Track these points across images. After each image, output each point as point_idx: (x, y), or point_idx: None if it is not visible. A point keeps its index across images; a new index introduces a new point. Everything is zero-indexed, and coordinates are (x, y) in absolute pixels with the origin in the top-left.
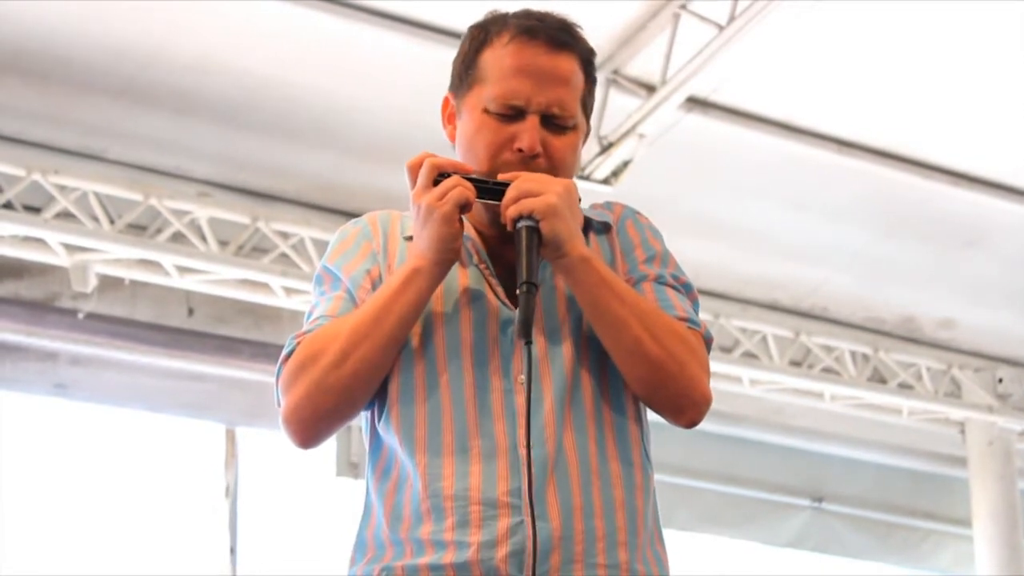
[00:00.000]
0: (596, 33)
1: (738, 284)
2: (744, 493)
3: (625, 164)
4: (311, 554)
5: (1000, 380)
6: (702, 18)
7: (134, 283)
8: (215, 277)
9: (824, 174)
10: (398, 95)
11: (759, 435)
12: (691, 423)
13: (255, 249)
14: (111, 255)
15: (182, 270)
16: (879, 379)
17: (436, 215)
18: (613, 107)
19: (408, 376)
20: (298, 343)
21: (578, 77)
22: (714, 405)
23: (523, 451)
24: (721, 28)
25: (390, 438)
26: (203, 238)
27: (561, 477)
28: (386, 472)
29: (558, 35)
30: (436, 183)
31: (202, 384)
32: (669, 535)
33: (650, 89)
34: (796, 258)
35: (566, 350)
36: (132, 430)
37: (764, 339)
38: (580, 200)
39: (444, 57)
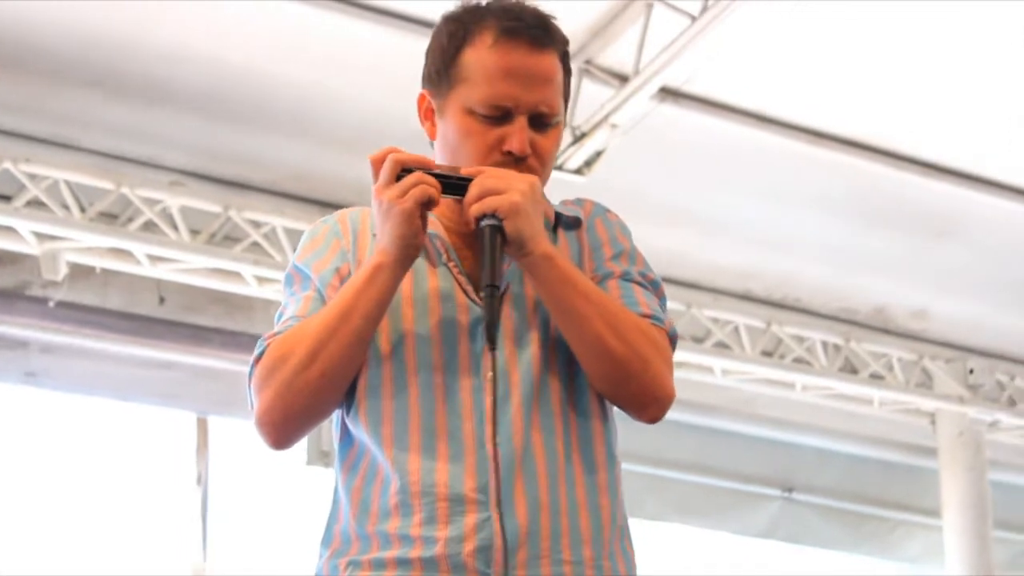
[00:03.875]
0: (569, 23)
1: (710, 274)
2: (715, 483)
3: (598, 154)
4: (283, 542)
5: (971, 371)
6: (675, 8)
7: (105, 271)
8: (186, 266)
9: (796, 164)
10: (372, 85)
11: (730, 425)
12: (653, 419)
13: (227, 238)
14: (82, 243)
15: (153, 259)
16: (850, 369)
17: (396, 211)
18: (586, 97)
19: (376, 373)
20: (268, 345)
21: (559, 73)
22: (686, 395)
23: (490, 448)
24: (694, 19)
25: (359, 433)
26: (175, 227)
27: (528, 474)
28: (354, 467)
29: (539, 34)
30: (399, 178)
31: (173, 372)
32: (639, 525)
33: (623, 79)
34: (768, 248)
35: (533, 352)
36: (103, 419)
37: (736, 329)
38: (545, 196)
39: (419, 47)
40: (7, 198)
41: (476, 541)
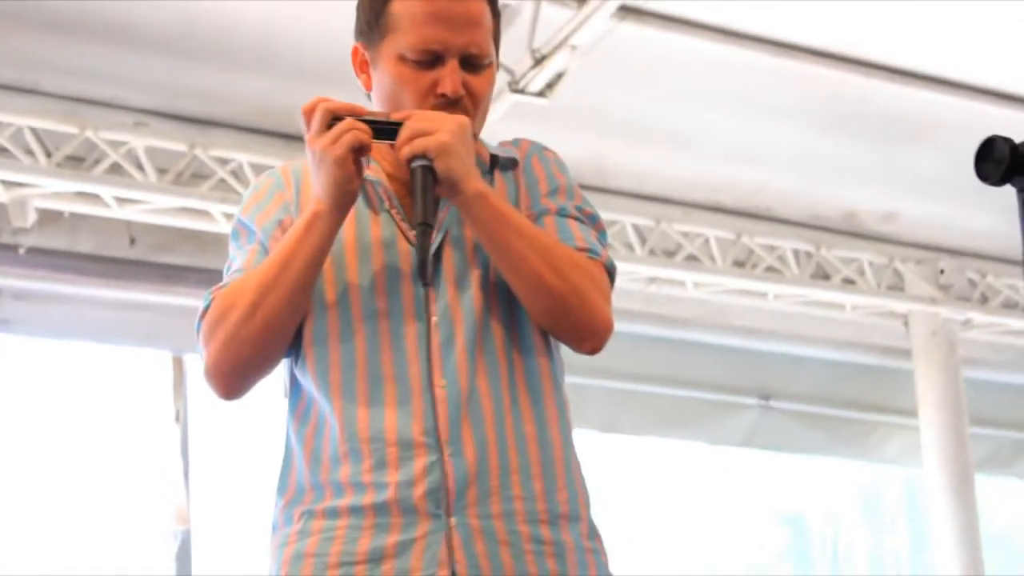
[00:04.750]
0: None
1: (679, 188)
2: (691, 395)
3: (559, 76)
4: (264, 475)
5: (942, 271)
6: None
7: (74, 216)
8: (155, 206)
9: (761, 76)
10: (334, 17)
11: (704, 337)
12: (593, 351)
13: (194, 176)
14: (49, 189)
15: (121, 201)
16: (822, 276)
17: (329, 158)
18: (544, 19)
19: (322, 321)
20: (213, 298)
21: (487, 16)
22: (659, 309)
23: (437, 390)
24: None
25: (307, 382)
26: (141, 168)
27: (474, 414)
28: (305, 416)
29: None
30: (331, 127)
31: (147, 313)
32: (618, 440)
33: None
34: (737, 160)
35: (475, 293)
36: (79, 363)
37: (707, 242)
38: (477, 136)
39: None
40: None
41: (426, 484)
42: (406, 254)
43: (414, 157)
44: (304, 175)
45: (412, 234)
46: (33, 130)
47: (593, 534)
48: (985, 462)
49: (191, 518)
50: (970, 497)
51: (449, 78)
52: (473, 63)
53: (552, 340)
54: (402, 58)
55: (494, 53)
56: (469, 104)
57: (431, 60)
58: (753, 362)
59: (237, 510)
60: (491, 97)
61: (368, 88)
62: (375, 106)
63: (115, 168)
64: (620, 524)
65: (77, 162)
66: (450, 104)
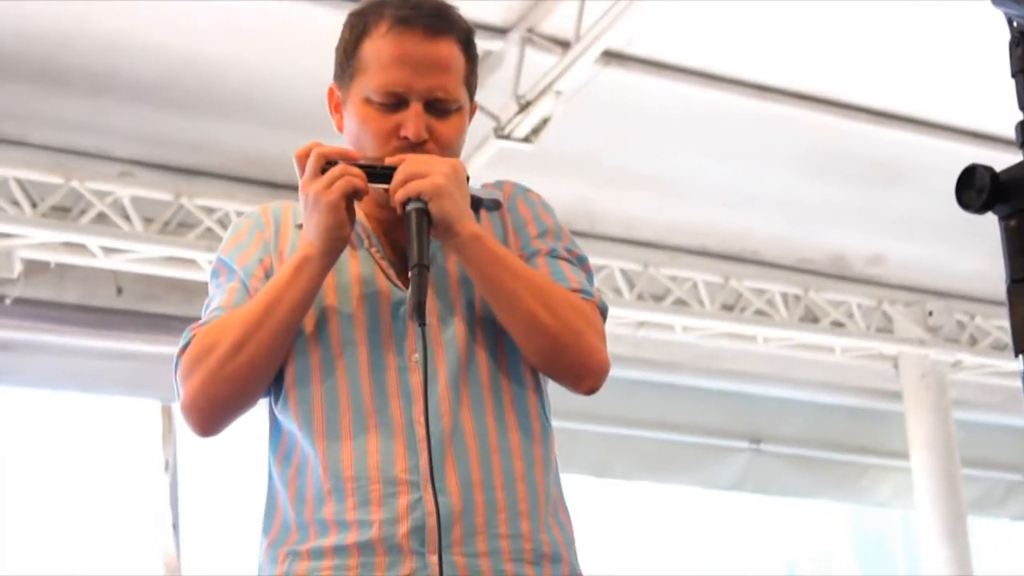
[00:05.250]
0: None
1: (666, 233)
2: (682, 439)
3: (544, 121)
4: (254, 525)
5: (930, 313)
6: None
7: (60, 266)
8: (141, 255)
9: (745, 120)
10: (317, 64)
11: (694, 381)
12: (590, 390)
13: (180, 225)
14: (35, 239)
15: (108, 251)
16: (811, 319)
17: (323, 204)
18: (529, 65)
19: (304, 361)
20: (194, 335)
21: (458, 60)
22: (648, 353)
23: (420, 428)
24: None
25: (288, 422)
26: (127, 217)
27: (459, 452)
28: (287, 456)
29: (434, 22)
30: (324, 171)
31: (135, 362)
32: (609, 485)
33: (565, 46)
34: (723, 204)
35: (459, 329)
36: (67, 413)
37: (695, 286)
38: (469, 179)
39: None
40: None
41: (410, 521)
42: (386, 291)
43: (408, 200)
44: (284, 215)
45: (391, 272)
46: (19, 181)
47: None
48: (977, 504)
49: (181, 568)
50: (963, 539)
51: (412, 121)
52: (439, 107)
53: (541, 378)
54: (368, 100)
55: (465, 98)
56: (435, 149)
57: (395, 103)
58: (743, 406)
59: (227, 560)
60: (462, 142)
61: (340, 129)
62: (346, 147)
63: (101, 218)
64: (613, 568)
65: (63, 212)
66: (413, 147)
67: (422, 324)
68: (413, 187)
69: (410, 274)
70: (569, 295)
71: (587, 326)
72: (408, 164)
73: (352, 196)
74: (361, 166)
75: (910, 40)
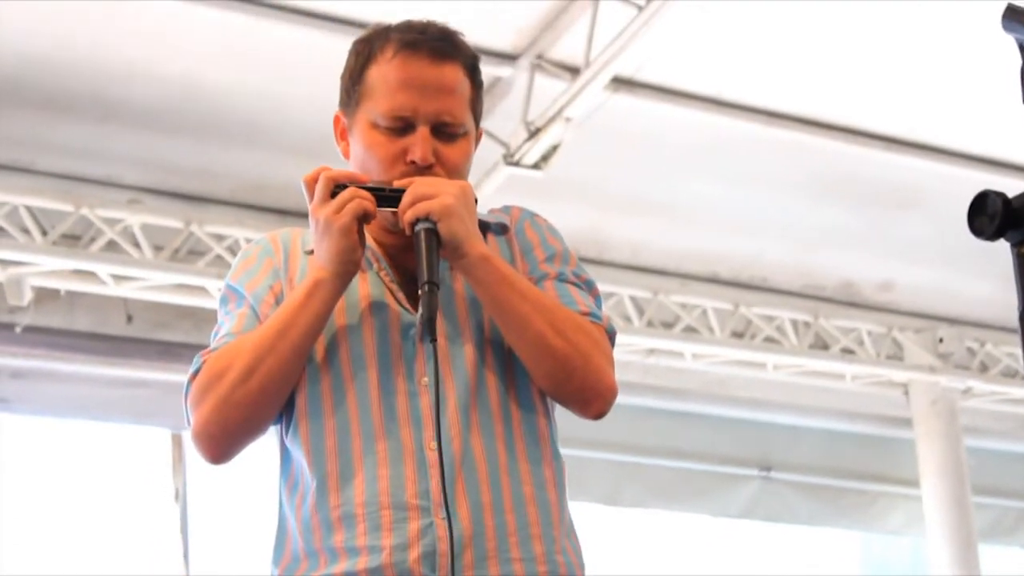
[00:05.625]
0: (518, 19)
1: (676, 260)
2: (692, 467)
3: (554, 148)
4: (264, 554)
5: (941, 340)
6: None
7: (70, 294)
8: (151, 283)
9: (754, 146)
10: (325, 90)
11: (704, 408)
12: (598, 414)
13: (190, 252)
14: (45, 267)
15: (118, 278)
16: (821, 346)
17: (334, 228)
18: (539, 92)
19: (315, 388)
20: (204, 361)
21: (464, 84)
22: (658, 381)
23: (430, 453)
24: (640, 8)
25: (298, 451)
26: (137, 245)
27: (469, 476)
28: (297, 485)
29: (440, 46)
30: (333, 195)
31: (145, 390)
32: (619, 512)
33: (574, 72)
34: (732, 231)
35: (468, 351)
36: (77, 441)
37: (704, 313)
38: (477, 201)
39: None
40: None
41: (420, 547)
42: (396, 315)
43: (417, 220)
44: (292, 241)
45: (401, 294)
46: (29, 208)
47: None
48: (988, 531)
49: None
50: (974, 567)
51: (419, 145)
52: (446, 131)
53: (549, 403)
54: (374, 125)
55: (471, 123)
56: (442, 173)
57: (402, 127)
58: (753, 433)
59: None
60: (469, 167)
61: (347, 156)
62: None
63: (111, 245)
64: None
65: (73, 240)
66: (420, 172)
67: (433, 340)
68: (422, 207)
69: (420, 292)
70: (577, 317)
71: (595, 349)
72: (417, 185)
73: (363, 219)
74: (370, 189)
75: (920, 66)
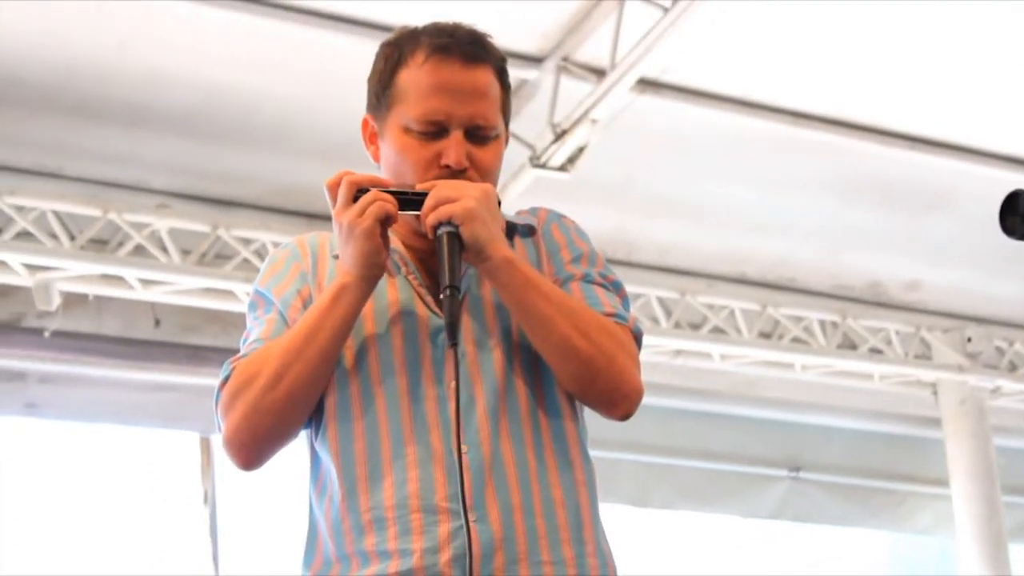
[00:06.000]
0: (543, 22)
1: (703, 260)
2: (721, 468)
3: (580, 150)
4: (293, 557)
5: (969, 339)
6: (647, 0)
7: (99, 298)
8: (179, 287)
9: (781, 147)
10: (352, 95)
11: (733, 409)
12: (624, 415)
13: (218, 257)
14: (73, 272)
15: (146, 283)
16: (849, 346)
17: (358, 231)
18: (564, 94)
19: (344, 393)
20: (233, 368)
21: (494, 88)
22: (686, 382)
23: (458, 456)
24: (666, 10)
25: (328, 454)
26: (164, 249)
27: (499, 479)
28: (325, 488)
29: (471, 49)
30: (356, 199)
31: (174, 394)
32: (648, 514)
33: (600, 74)
34: (760, 231)
35: (496, 356)
36: (106, 446)
37: (732, 313)
38: (501, 203)
39: None
40: None
41: (451, 550)
42: (424, 319)
43: (439, 224)
44: (320, 246)
45: (429, 299)
46: (56, 214)
47: None
48: (1018, 531)
49: None
50: (1004, 566)
51: (453, 149)
52: (479, 135)
53: (577, 404)
54: (407, 129)
55: (502, 125)
56: (475, 176)
57: (435, 131)
58: (782, 434)
59: None
60: (499, 169)
61: (377, 160)
62: (384, 177)
63: (139, 250)
64: None
65: (101, 245)
66: (454, 175)
67: (455, 344)
68: (444, 211)
69: (441, 296)
70: (602, 319)
71: (620, 350)
72: (439, 189)
73: (386, 222)
74: (392, 192)
75: (948, 66)
